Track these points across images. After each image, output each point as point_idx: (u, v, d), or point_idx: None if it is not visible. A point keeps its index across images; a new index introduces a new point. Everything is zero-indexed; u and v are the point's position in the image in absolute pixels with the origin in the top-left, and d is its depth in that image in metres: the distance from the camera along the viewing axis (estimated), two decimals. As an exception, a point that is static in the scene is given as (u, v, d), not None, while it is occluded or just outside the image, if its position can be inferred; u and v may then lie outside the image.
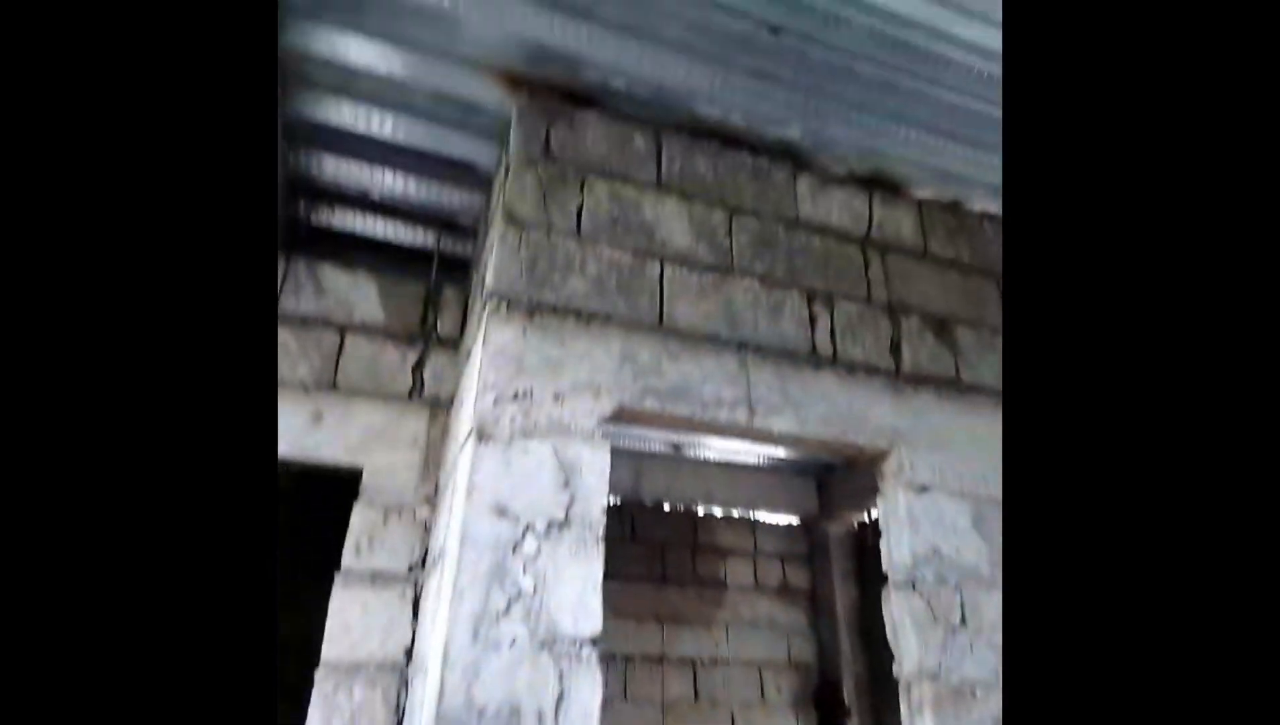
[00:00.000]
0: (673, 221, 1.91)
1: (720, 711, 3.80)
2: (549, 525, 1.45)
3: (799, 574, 4.33)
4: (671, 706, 3.72)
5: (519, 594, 1.37)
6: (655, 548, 4.09)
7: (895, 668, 1.64)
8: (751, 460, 4.12)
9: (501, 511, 1.42)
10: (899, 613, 1.65)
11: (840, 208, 2.17)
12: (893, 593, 1.69)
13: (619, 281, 1.77)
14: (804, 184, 2.16)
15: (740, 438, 1.82)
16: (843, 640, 4.02)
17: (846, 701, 3.90)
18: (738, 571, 4.22)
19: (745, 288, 1.91)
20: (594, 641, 1.38)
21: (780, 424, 1.75)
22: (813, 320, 1.94)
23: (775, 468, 4.19)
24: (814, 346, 1.91)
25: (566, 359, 1.62)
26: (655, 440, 3.80)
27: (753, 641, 4.06)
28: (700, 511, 4.32)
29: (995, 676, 1.62)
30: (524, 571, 1.39)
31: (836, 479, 4.14)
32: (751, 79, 1.91)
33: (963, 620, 1.66)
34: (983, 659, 1.63)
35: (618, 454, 2.94)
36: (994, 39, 1.76)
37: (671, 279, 1.83)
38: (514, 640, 1.33)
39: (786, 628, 4.14)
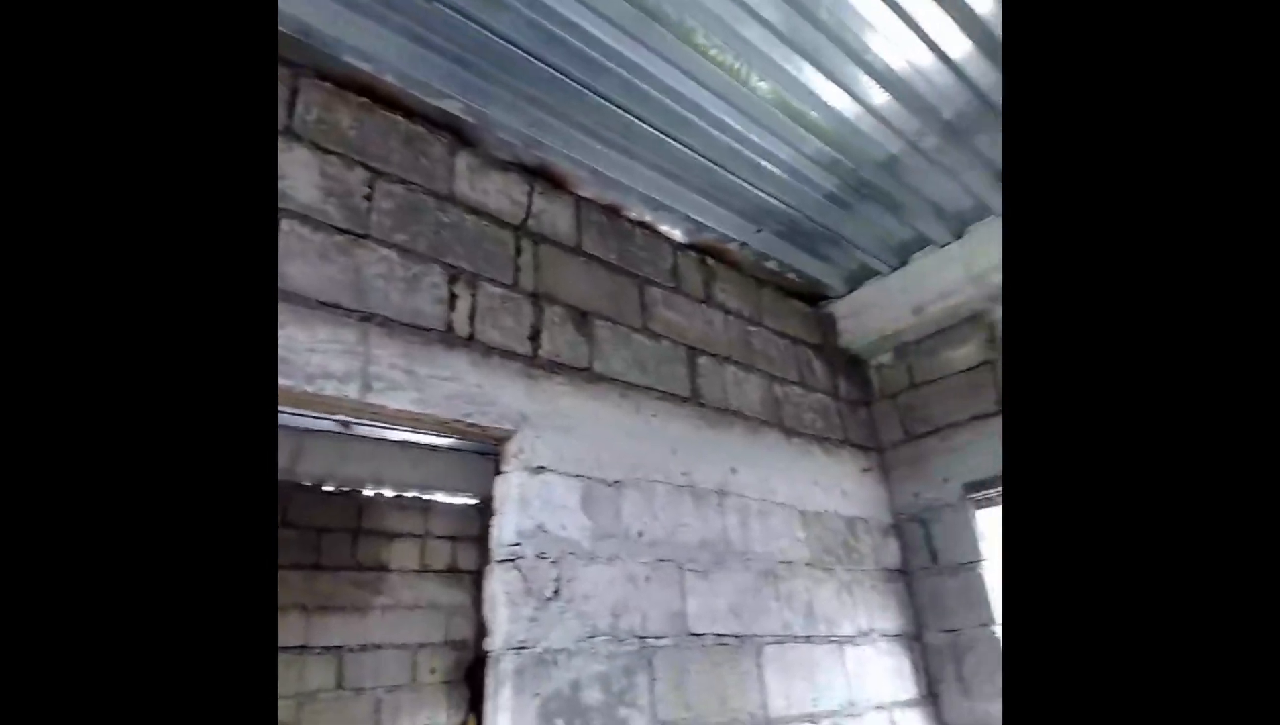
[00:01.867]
0: (299, 172, 1.74)
1: (364, 698, 3.64)
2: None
3: (469, 555, 4.34)
4: (309, 698, 3.47)
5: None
6: (311, 533, 3.77)
7: (488, 642, 1.70)
8: (430, 440, 4.02)
9: None
10: (497, 588, 1.71)
11: (499, 192, 2.18)
12: (495, 569, 1.74)
13: (220, 230, 1.55)
14: (464, 161, 2.13)
15: (350, 415, 1.73)
16: (506, 617, 4.13)
17: (503, 676, 4.01)
18: (404, 555, 4.10)
19: (381, 257, 1.82)
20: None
21: (398, 402, 1.70)
22: (453, 299, 1.92)
23: (456, 448, 4.14)
24: (450, 325, 1.89)
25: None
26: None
27: (409, 625, 3.97)
28: (370, 493, 4.10)
29: (578, 644, 1.76)
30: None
31: (514, 461, 4.22)
32: (408, 41, 1.82)
33: (556, 593, 1.78)
34: (570, 629, 1.77)
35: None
36: (647, 59, 1.90)
37: (289, 235, 1.67)
38: None
39: (449, 608, 4.13)
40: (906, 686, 2.62)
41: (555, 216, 2.31)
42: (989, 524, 2.79)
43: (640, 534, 2.06)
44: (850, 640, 2.50)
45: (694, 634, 2.06)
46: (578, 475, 1.98)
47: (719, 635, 2.12)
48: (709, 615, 2.12)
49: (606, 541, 1.97)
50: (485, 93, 1.99)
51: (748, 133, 2.22)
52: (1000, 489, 2.69)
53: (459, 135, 2.13)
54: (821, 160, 2.38)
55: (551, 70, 1.92)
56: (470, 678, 4.00)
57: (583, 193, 2.41)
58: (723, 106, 2.11)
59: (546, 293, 2.16)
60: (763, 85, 2.06)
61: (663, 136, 2.19)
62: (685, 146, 2.24)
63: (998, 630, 2.59)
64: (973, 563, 2.69)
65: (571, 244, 2.32)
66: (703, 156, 2.29)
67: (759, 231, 2.71)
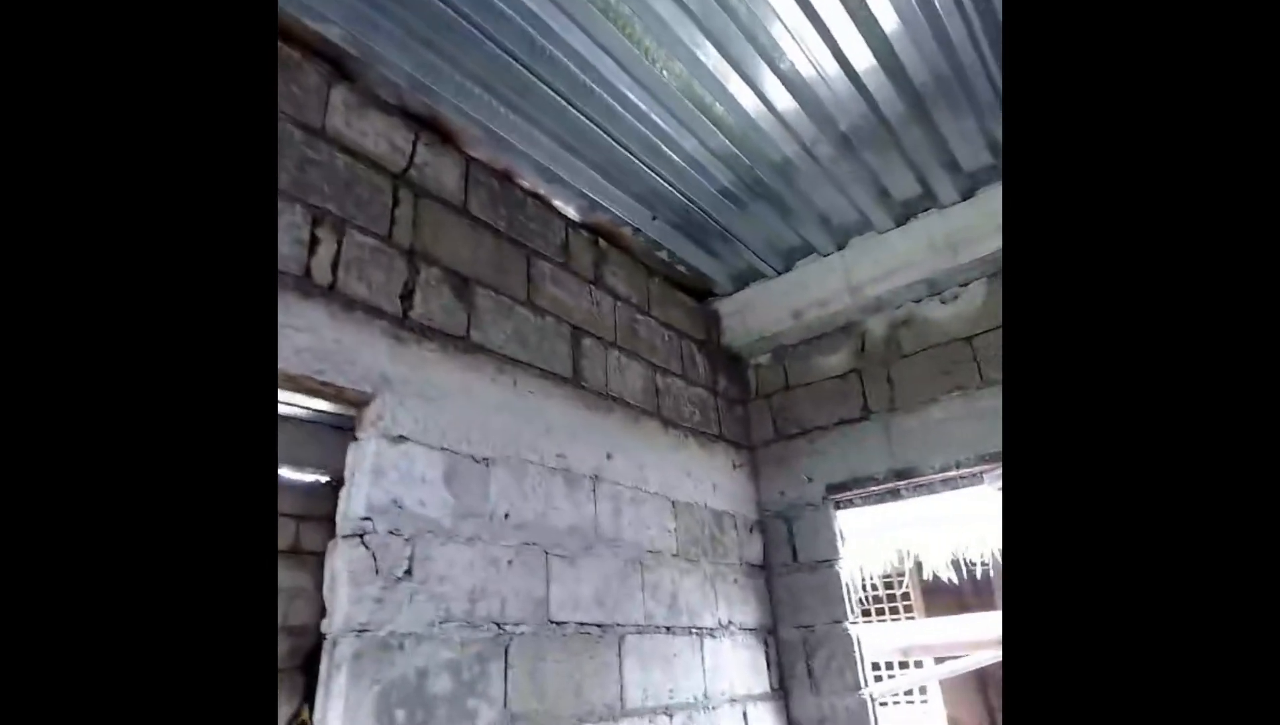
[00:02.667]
0: (136, 73, 1.49)
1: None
2: None
3: (315, 535, 4.00)
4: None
5: None
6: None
7: (324, 623, 1.53)
8: (281, 410, 3.65)
9: None
10: (339, 564, 1.54)
11: (379, 135, 1.99)
12: (338, 544, 1.57)
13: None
14: (341, 95, 1.92)
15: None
16: (352, 606, 3.84)
17: (344, 669, 3.72)
18: (240, 533, 3.70)
19: (232, 185, 1.60)
20: None
21: (239, 349, 1.49)
22: (314, 243, 1.73)
23: (306, 419, 3.80)
24: (309, 271, 1.69)
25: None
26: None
27: (239, 611, 3.59)
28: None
29: (428, 629, 1.63)
30: None
31: (375, 439, 3.94)
32: (286, -52, 1.61)
33: (408, 572, 1.63)
34: (420, 612, 1.63)
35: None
36: (555, 16, 1.80)
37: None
38: None
39: (290, 591, 3.78)
40: (760, 680, 2.67)
41: (441, 172, 2.15)
42: (847, 524, 2.91)
43: (507, 515, 1.95)
44: (710, 633, 2.51)
45: (555, 622, 1.97)
46: (443, 448, 1.83)
47: (581, 624, 2.05)
48: (572, 603, 2.04)
49: (469, 521, 1.84)
50: (372, 23, 1.80)
51: (652, 114, 2.17)
52: (858, 492, 2.82)
53: (338, 67, 1.92)
54: (721, 154, 2.38)
55: (449, 10, 1.77)
56: (308, 666, 3.69)
57: (474, 153, 2.27)
58: (629, 82, 2.05)
59: (425, 251, 2.00)
60: (672, 67, 2.01)
61: (564, 104, 2.10)
62: (587, 118, 2.15)
63: (850, 628, 2.70)
64: (830, 561, 2.79)
65: (457, 203, 2.17)
66: (604, 131, 2.22)
67: (654, 218, 2.67)
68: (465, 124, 2.14)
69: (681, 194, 2.54)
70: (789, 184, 2.53)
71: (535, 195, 2.47)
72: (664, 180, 2.46)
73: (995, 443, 2.50)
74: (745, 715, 2.52)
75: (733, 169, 2.46)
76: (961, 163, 2.48)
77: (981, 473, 2.58)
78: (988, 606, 5.65)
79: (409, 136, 2.08)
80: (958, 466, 2.58)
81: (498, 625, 1.82)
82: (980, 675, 5.52)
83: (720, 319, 3.21)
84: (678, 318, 2.99)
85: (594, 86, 2.05)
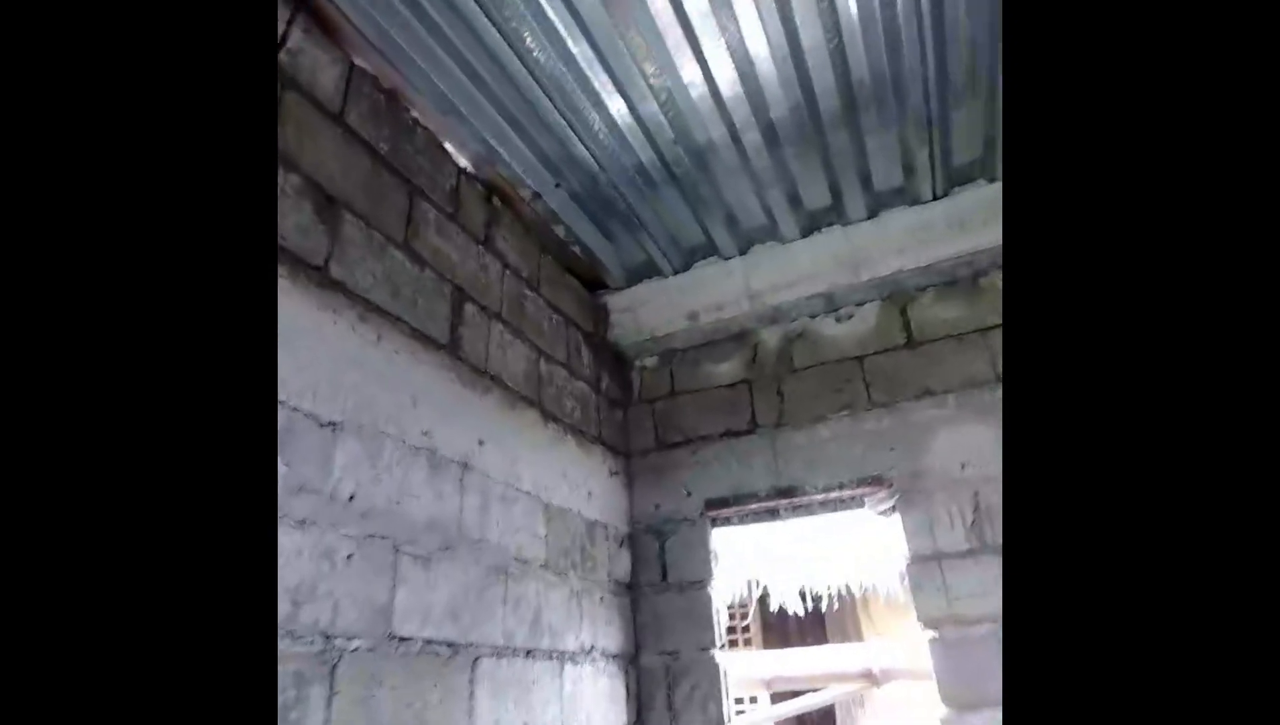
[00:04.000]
0: None
1: None
2: None
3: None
4: None
5: None
6: None
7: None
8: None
9: None
10: None
11: None
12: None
13: None
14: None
15: None
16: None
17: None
18: None
19: None
20: None
21: None
22: (128, 95, 1.25)
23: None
24: (113, 130, 1.22)
25: None
26: None
27: None
28: None
29: None
30: None
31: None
32: None
33: None
34: (221, 611, 1.18)
35: None
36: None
37: None
38: None
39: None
40: (618, 713, 2.38)
41: (317, 67, 1.73)
42: (723, 543, 2.74)
43: (352, 497, 1.53)
44: (572, 658, 2.20)
45: (399, 637, 1.57)
46: (281, 402, 1.40)
47: (429, 641, 1.66)
48: (421, 614, 1.65)
49: (303, 498, 1.41)
50: None
51: (582, 60, 1.92)
52: (737, 509, 2.66)
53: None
54: (648, 123, 2.17)
55: None
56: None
57: (360, 61, 1.86)
58: (565, 16, 1.79)
59: (285, 152, 1.57)
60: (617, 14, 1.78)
61: (479, 25, 1.79)
62: (504, 39, 1.85)
63: (717, 655, 2.50)
64: (702, 582, 2.60)
65: (333, 109, 1.75)
66: (522, 64, 1.92)
67: (557, 185, 2.39)
68: (351, 20, 1.74)
69: (594, 161, 2.29)
70: (706, 171, 2.38)
71: (424, 127, 2.09)
72: (580, 140, 2.20)
73: (878, 465, 2.46)
74: (596, 753, 2.22)
75: (654, 143, 2.26)
76: (875, 180, 2.46)
77: (862, 496, 2.53)
78: (820, 641, 5.79)
79: (284, 14, 1.65)
80: (841, 487, 2.51)
81: (325, 637, 1.39)
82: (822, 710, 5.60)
83: (609, 313, 2.97)
84: (567, 303, 2.71)
85: (523, 10, 1.76)
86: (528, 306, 2.42)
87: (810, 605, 4.17)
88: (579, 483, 2.45)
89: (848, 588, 3.96)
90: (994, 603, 2.15)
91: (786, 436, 2.64)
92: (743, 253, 2.79)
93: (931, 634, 2.22)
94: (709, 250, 2.80)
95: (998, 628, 2.12)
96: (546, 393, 2.40)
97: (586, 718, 2.19)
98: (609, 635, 2.42)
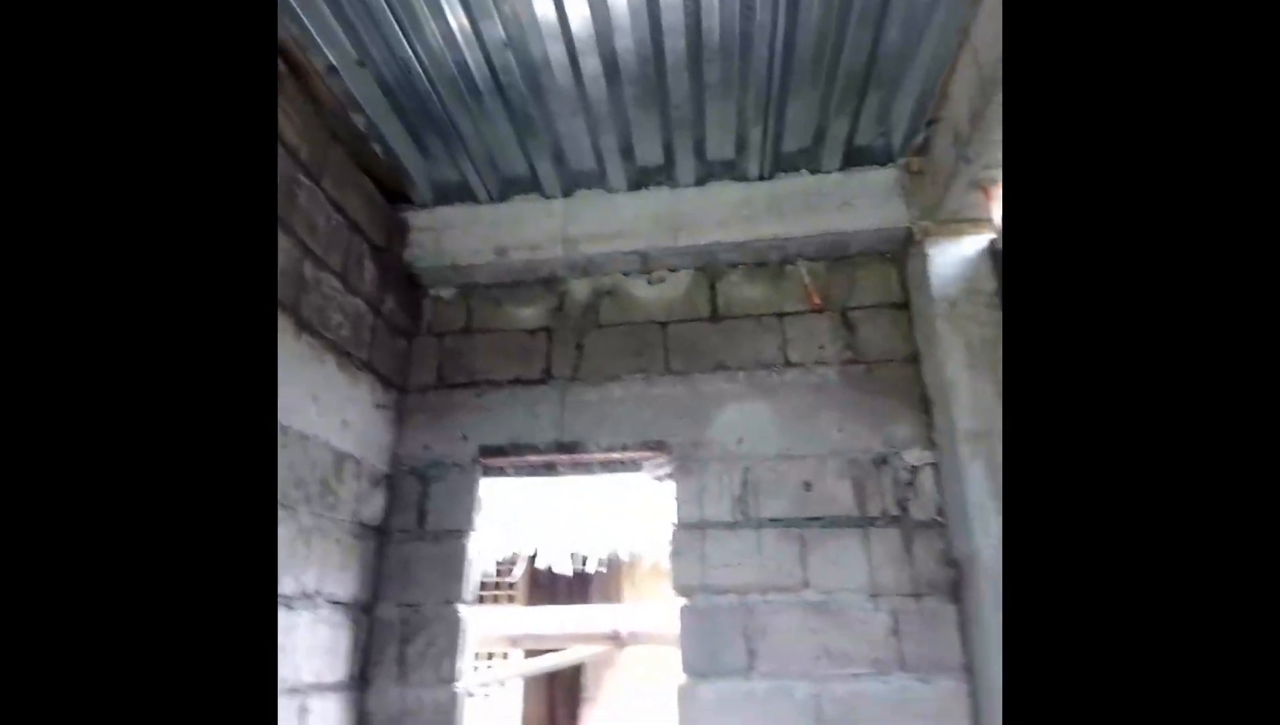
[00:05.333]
0: None
1: None
2: None
3: None
4: None
5: None
6: None
7: None
8: None
9: None
10: None
11: None
12: None
13: None
14: None
15: None
16: None
17: None
18: None
19: None
20: None
21: None
22: None
23: None
24: None
25: None
26: None
27: None
28: None
29: None
30: None
31: None
32: None
33: None
34: None
35: None
36: None
37: None
38: None
39: None
40: (336, 667, 2.13)
41: None
42: (494, 496, 2.57)
43: None
44: (288, 603, 1.91)
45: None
46: None
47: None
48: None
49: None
50: None
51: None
52: (515, 459, 2.51)
53: None
54: (481, 18, 1.90)
55: None
56: None
57: None
58: None
59: None
60: None
61: None
62: None
63: (462, 609, 2.34)
64: (461, 532, 2.41)
65: None
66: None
67: (362, 64, 2.04)
68: None
69: (412, 48, 1.98)
70: (537, 92, 2.16)
71: (323, 73, 1.66)
72: (394, 15, 1.88)
73: (662, 431, 2.43)
74: (304, 708, 1.96)
75: (485, 47, 2.00)
76: (708, 148, 2.41)
77: (642, 460, 2.49)
78: (585, 602, 5.86)
79: None
80: (624, 448, 2.45)
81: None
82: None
83: (409, 230, 2.65)
84: (356, 206, 2.35)
85: None
86: (300, 195, 2.05)
87: (580, 567, 4.16)
88: (332, 409, 2.14)
89: (616, 552, 4.00)
90: (746, 575, 2.21)
91: (579, 391, 2.53)
92: (566, 195, 2.62)
93: (684, 601, 2.24)
94: (531, 185, 2.59)
95: (745, 600, 2.18)
96: (308, 300, 2.05)
97: (295, 670, 1.93)
98: (340, 581, 2.16)
